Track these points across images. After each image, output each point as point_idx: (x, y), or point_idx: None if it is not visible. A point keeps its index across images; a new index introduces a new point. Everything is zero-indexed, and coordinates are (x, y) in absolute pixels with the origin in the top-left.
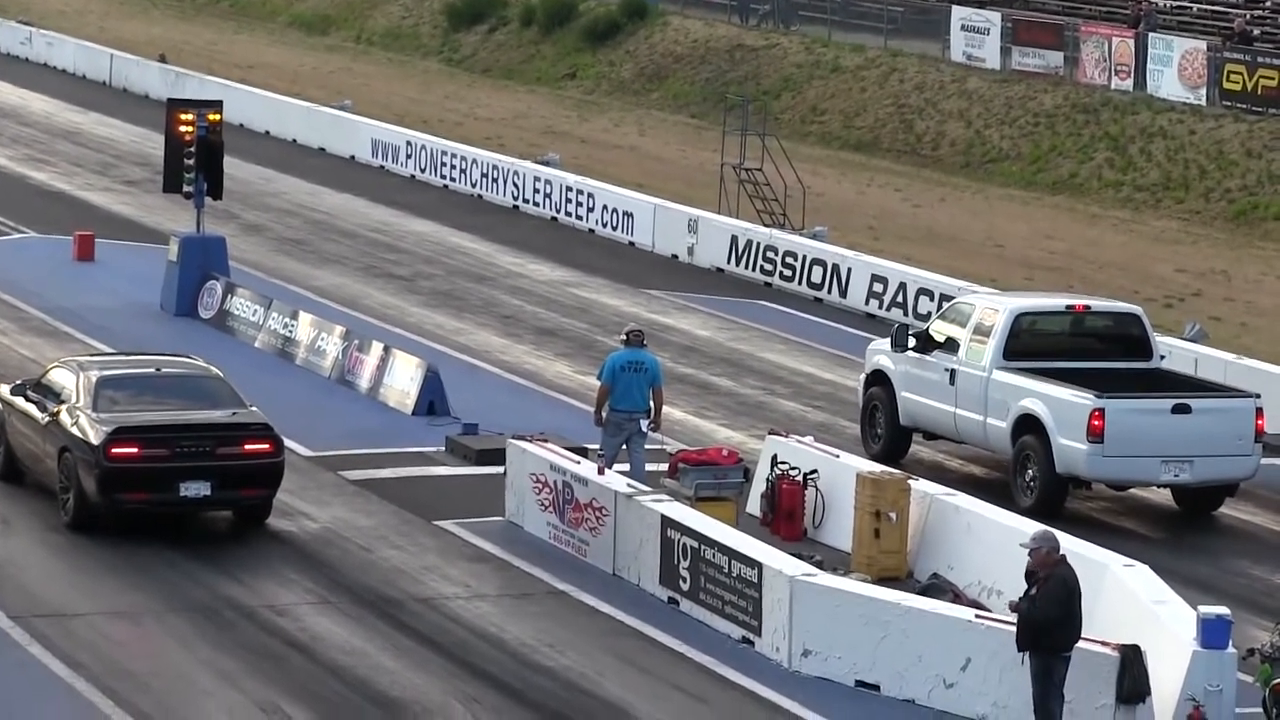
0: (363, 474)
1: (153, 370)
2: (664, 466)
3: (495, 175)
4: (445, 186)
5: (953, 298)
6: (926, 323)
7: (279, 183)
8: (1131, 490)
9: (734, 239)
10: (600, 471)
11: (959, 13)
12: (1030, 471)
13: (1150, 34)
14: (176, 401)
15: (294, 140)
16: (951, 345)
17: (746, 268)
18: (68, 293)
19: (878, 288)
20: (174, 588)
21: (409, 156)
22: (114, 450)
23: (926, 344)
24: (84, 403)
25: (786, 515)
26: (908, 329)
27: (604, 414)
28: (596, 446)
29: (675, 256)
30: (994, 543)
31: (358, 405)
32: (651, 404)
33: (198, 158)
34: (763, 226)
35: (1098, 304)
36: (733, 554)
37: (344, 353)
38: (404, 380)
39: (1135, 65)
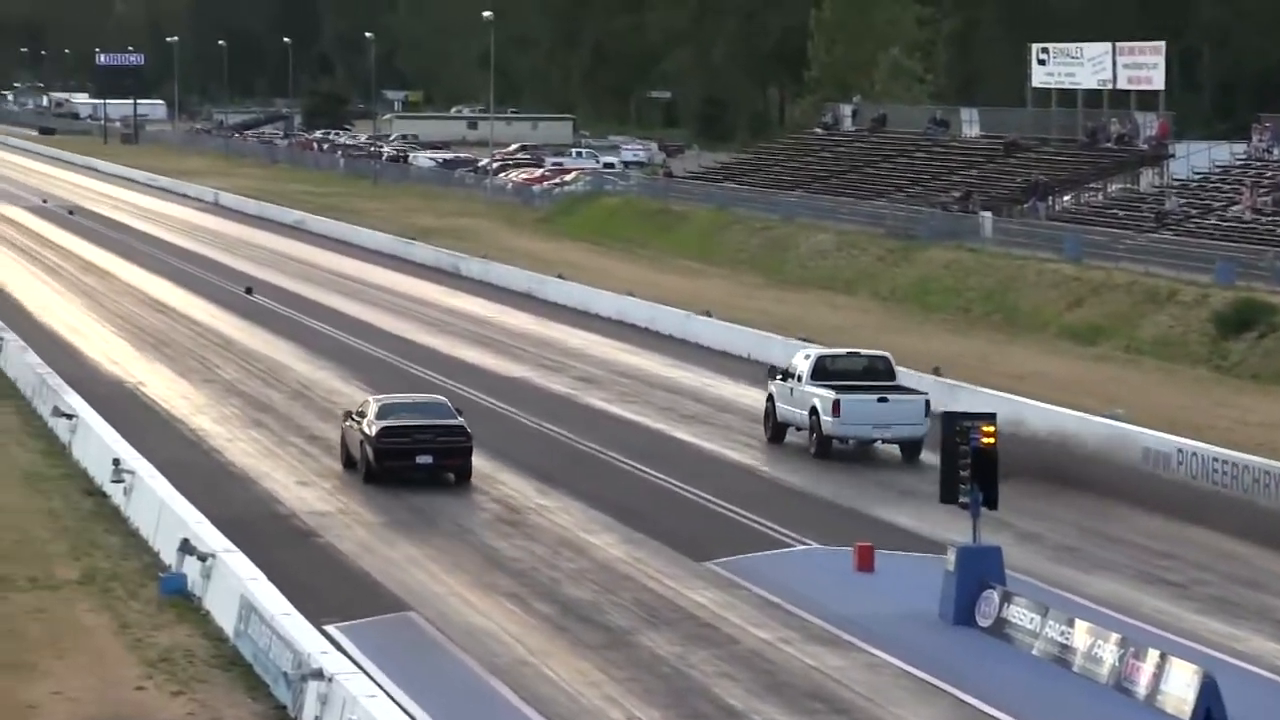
0: None
1: (409, 400)
2: None
3: (1267, 481)
4: (1216, 492)
5: None
6: (786, 364)
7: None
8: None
9: None
10: None
11: None
12: (814, 434)
13: None
14: (419, 414)
15: None
16: (795, 375)
17: None
18: (849, 601)
19: None
20: None
21: (1179, 464)
22: (382, 440)
23: (785, 374)
24: (372, 415)
25: None
26: (777, 368)
27: None
28: None
29: None
30: None
31: (1136, 713)
32: None
33: (973, 469)
34: None
35: (866, 351)
36: None
37: (1120, 660)
38: (1180, 687)
39: None
